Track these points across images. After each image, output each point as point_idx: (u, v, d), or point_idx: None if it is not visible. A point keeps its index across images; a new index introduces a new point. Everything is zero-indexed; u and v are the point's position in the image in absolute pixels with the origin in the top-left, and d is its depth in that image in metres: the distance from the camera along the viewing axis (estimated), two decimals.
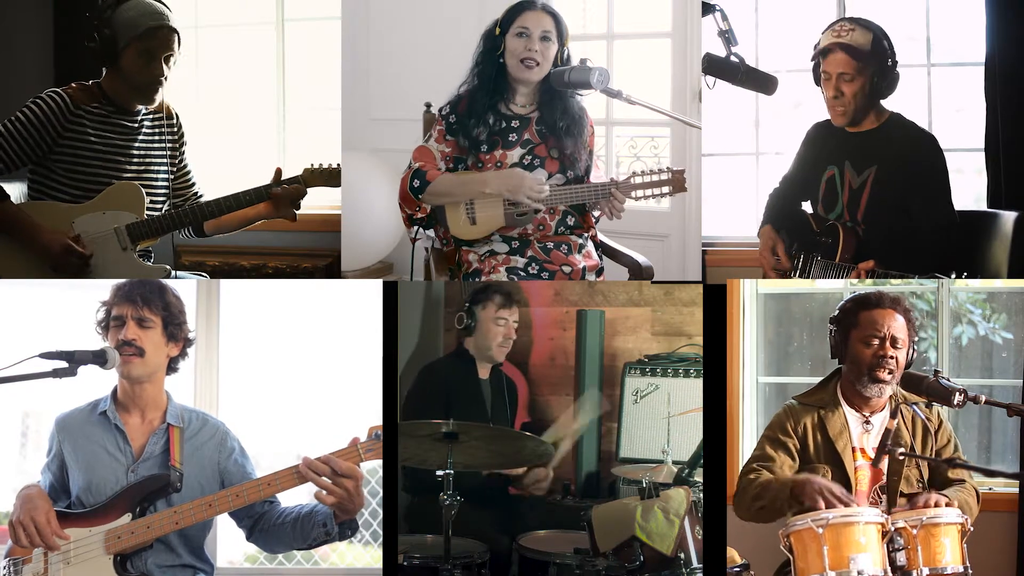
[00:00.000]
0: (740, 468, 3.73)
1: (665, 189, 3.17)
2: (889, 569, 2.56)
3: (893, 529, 2.59)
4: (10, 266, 3.32)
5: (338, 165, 3.46)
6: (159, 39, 3.33)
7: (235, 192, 3.43)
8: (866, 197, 3.37)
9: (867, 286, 3.83)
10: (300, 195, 3.44)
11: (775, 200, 3.68)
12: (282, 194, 3.41)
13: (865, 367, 2.78)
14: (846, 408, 2.82)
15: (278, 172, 3.45)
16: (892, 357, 2.75)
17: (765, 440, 2.84)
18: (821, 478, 2.68)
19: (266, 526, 2.76)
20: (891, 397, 2.82)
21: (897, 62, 3.36)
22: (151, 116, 3.48)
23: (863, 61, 3.31)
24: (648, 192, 3.17)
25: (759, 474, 2.76)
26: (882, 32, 3.35)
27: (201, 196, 3.62)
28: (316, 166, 3.45)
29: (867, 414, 2.81)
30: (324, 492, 2.60)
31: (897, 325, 2.77)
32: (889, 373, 2.76)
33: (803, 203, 3.64)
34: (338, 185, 3.49)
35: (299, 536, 2.71)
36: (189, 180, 3.60)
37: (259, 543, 2.80)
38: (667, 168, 3.16)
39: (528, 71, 3.19)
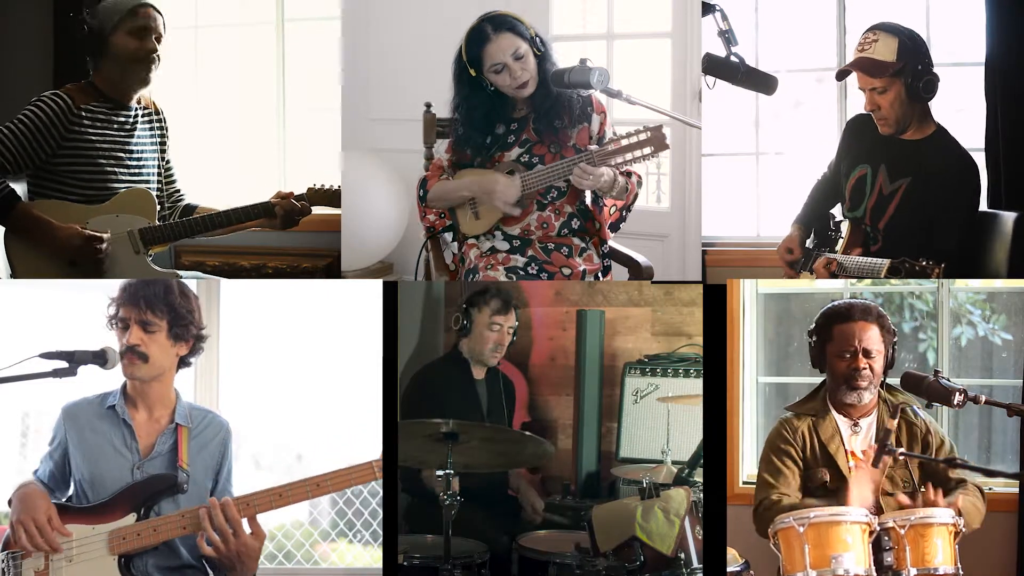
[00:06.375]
0: (740, 470, 3.78)
1: (647, 150, 3.09)
2: (874, 570, 2.57)
3: (880, 529, 2.60)
4: (28, 265, 3.35)
5: (339, 187, 3.57)
6: (146, 16, 3.39)
7: (243, 206, 3.51)
8: (894, 207, 3.35)
9: (865, 286, 3.84)
10: (304, 213, 3.54)
11: (816, 189, 3.65)
12: (286, 210, 3.50)
13: (841, 379, 2.83)
14: (836, 414, 2.86)
15: (289, 194, 3.54)
16: (865, 368, 2.80)
17: (769, 454, 2.86)
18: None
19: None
20: (883, 400, 2.85)
21: (932, 63, 3.30)
22: (142, 113, 3.50)
23: (889, 72, 3.25)
24: (629, 156, 3.10)
25: (778, 500, 2.76)
26: (910, 35, 3.28)
27: (183, 195, 3.68)
28: (319, 186, 3.56)
29: (856, 418, 2.85)
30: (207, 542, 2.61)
31: (869, 336, 2.81)
32: (865, 382, 2.81)
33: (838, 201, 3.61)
34: (339, 206, 3.60)
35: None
36: (173, 177, 3.67)
37: None
38: (643, 127, 3.09)
39: (524, 89, 3.20)
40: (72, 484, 2.76)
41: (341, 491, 3.65)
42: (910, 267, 3.07)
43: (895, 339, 2.86)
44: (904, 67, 3.26)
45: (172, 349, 2.76)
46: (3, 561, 2.62)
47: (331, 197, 3.57)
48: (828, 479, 2.80)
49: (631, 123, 4.47)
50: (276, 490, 2.67)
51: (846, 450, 2.82)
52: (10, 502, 2.67)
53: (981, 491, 2.80)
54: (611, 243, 3.46)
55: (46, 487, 2.72)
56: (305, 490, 2.66)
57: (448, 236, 3.41)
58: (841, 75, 3.41)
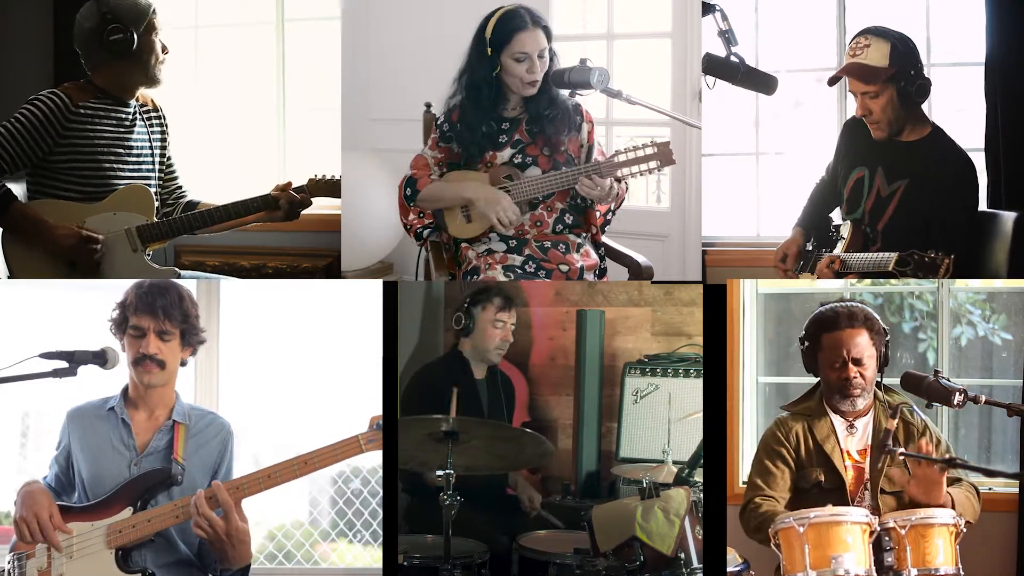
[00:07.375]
0: (740, 470, 3.78)
1: (652, 164, 3.13)
2: (875, 570, 2.57)
3: (880, 529, 2.61)
4: (26, 266, 3.35)
5: (339, 177, 3.54)
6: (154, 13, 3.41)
7: (242, 199, 3.49)
8: (892, 209, 3.34)
9: (865, 287, 3.84)
10: (304, 205, 3.52)
11: (815, 193, 3.65)
12: (287, 203, 3.47)
13: (835, 388, 2.84)
14: (832, 415, 2.87)
15: (288, 184, 3.52)
16: (856, 377, 2.81)
17: (762, 454, 2.88)
18: None
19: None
20: (878, 400, 2.85)
21: (923, 66, 3.29)
22: (140, 110, 3.50)
23: (882, 78, 3.25)
24: (635, 169, 3.13)
25: (760, 504, 2.78)
26: (901, 39, 3.28)
27: (185, 192, 3.67)
28: (320, 177, 3.53)
29: (852, 419, 2.86)
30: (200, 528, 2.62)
31: (858, 343, 2.81)
32: (858, 390, 2.81)
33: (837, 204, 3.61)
34: (339, 196, 3.57)
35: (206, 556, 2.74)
36: (174, 174, 3.66)
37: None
38: (651, 142, 3.13)
39: (532, 88, 3.20)
40: (76, 486, 2.77)
41: (334, 475, 3.68)
42: (919, 259, 3.07)
43: (887, 338, 2.86)
44: (897, 72, 3.26)
45: (180, 354, 2.80)
46: (10, 562, 2.66)
47: (332, 188, 3.54)
48: (823, 479, 2.81)
49: (632, 123, 4.52)
50: (265, 471, 2.67)
51: (842, 450, 2.83)
52: (16, 502, 2.70)
53: (976, 489, 2.81)
54: (612, 243, 3.47)
55: (53, 491, 2.75)
56: (293, 469, 2.66)
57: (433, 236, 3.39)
58: (833, 81, 3.41)
